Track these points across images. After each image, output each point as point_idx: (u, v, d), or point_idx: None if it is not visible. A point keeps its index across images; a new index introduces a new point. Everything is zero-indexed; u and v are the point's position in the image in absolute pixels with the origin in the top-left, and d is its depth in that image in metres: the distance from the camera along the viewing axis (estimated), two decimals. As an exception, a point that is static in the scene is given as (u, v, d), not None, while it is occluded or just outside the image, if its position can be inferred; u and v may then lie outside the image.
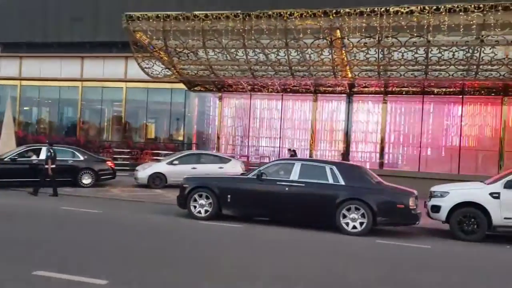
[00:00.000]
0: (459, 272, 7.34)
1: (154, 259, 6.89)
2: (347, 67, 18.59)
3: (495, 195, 9.88)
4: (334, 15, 16.19)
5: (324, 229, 10.17)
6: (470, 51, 15.86)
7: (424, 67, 16.94)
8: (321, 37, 16.66)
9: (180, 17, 17.75)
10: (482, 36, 15.05)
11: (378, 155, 20.90)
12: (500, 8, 14.33)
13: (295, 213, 10.39)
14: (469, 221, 10.01)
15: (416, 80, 18.14)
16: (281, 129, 22.84)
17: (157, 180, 17.50)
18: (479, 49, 15.68)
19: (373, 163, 20.90)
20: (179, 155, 18.28)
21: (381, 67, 17.64)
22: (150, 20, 18.12)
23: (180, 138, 26.54)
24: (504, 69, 16.30)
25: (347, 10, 16.02)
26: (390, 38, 15.95)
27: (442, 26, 15.14)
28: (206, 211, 10.89)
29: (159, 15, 17.93)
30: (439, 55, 16.19)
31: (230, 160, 18.55)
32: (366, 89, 20.66)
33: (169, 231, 9.64)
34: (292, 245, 8.85)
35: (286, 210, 10.42)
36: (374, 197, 9.80)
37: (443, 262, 8.12)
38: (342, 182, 10.09)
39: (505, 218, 9.78)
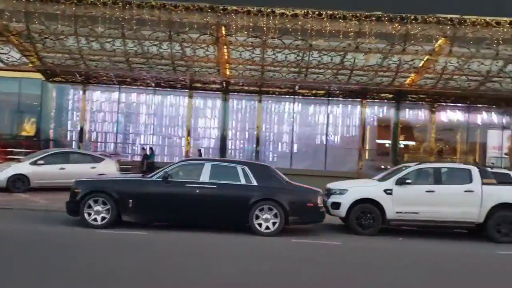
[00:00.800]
0: (378, 266, 7.77)
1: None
2: (227, 65, 18.57)
3: (388, 192, 10.74)
4: (221, 11, 15.94)
5: (236, 231, 9.88)
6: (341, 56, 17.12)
7: (304, 69, 17.75)
8: (207, 33, 16.25)
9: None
10: (358, 43, 16.33)
11: (254, 153, 21.33)
12: (373, 18, 15.70)
13: (207, 216, 9.90)
14: (366, 216, 10.70)
15: (293, 81, 18.93)
16: (154, 126, 21.79)
17: (19, 182, 15.23)
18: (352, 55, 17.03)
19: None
20: (44, 154, 16.12)
21: (265, 67, 17.96)
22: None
23: (32, 134, 23.37)
24: (372, 75, 18.01)
25: (235, 7, 15.91)
26: (275, 39, 16.33)
27: (323, 31, 15.99)
28: (103, 218, 9.72)
29: (22, -5, 15.55)
30: (319, 58, 17.10)
31: (103, 159, 17.02)
32: (243, 87, 20.90)
33: (65, 244, 8.34)
34: (204, 250, 8.39)
35: (197, 214, 9.85)
36: (286, 197, 9.82)
37: (361, 258, 8.53)
38: (254, 183, 9.92)
39: (397, 212, 10.68)
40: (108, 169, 16.52)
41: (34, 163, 15.60)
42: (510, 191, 10.90)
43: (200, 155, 20.36)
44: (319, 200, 10.10)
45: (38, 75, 21.13)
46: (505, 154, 21.59)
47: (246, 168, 10.09)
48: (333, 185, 11.50)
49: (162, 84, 20.84)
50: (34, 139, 22.31)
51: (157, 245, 8.70)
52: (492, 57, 16.54)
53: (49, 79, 20.86)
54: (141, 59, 17.92)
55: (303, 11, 15.76)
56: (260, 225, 9.75)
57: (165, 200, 9.78)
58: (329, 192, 11.16)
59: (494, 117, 21.48)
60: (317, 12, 15.74)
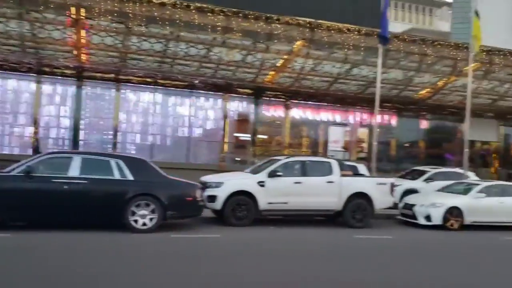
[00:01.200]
0: (262, 256, 8.09)
1: None
2: (84, 50, 17.22)
3: (261, 184, 11.21)
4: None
5: (110, 228, 9.28)
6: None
7: (171, 60, 17.41)
8: (67, 14, 14.84)
9: None
10: (224, 38, 16.56)
11: (111, 145, 20.18)
12: (241, 15, 16.08)
13: (77, 213, 9.09)
14: (241, 208, 11.00)
15: (157, 71, 18.42)
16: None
17: None
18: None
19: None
20: None
21: (127, 55, 17.12)
22: None
23: None
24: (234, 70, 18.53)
25: (98, -11, 14.83)
26: (142, 27, 15.68)
27: (191, 23, 15.83)
28: None
29: None
30: (186, 50, 16.91)
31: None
32: (100, 74, 19.56)
33: None
34: (72, 250, 7.79)
35: (66, 211, 9.00)
36: (164, 192, 9.56)
37: (247, 248, 8.78)
38: (130, 177, 9.43)
39: (269, 203, 11.21)
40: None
41: None
42: (363, 181, 12.28)
43: (37, 147, 18.43)
44: (198, 194, 10.06)
45: None
46: (343, 147, 24.01)
47: (121, 162, 9.54)
48: (207, 178, 11.55)
49: (5, 66, 18.38)
50: None
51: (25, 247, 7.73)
52: (342, 60, 18.31)
53: None
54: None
55: (171, 1, 15.39)
56: (136, 221, 9.33)
57: (29, 197, 8.74)
58: (204, 186, 11.16)
59: (338, 115, 23.78)
60: (185, 4, 15.53)
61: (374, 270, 7.53)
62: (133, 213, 9.31)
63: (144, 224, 9.37)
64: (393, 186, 12.34)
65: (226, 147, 22.04)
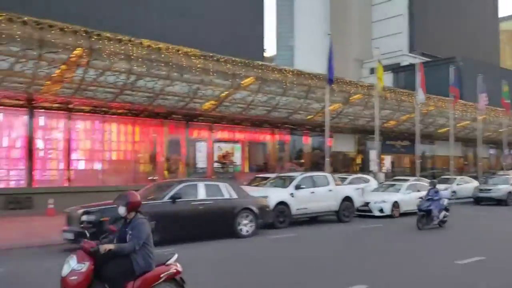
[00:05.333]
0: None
1: None
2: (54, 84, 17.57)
3: (292, 195, 15.01)
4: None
5: (219, 237, 11.97)
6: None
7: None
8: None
9: None
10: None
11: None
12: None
13: (206, 227, 11.73)
14: (281, 214, 14.61)
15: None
16: None
17: None
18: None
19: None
20: None
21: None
22: None
23: None
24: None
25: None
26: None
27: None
28: None
29: None
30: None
31: None
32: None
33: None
34: (219, 255, 10.71)
35: (200, 226, 11.56)
36: (255, 205, 12.72)
37: (327, 237, 12.64)
38: (235, 196, 12.42)
39: (297, 209, 15.06)
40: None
41: None
42: (348, 188, 17.07)
43: None
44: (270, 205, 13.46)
45: None
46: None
47: (227, 185, 12.44)
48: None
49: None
50: None
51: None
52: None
53: None
54: None
55: None
56: (241, 229, 12.34)
57: (177, 218, 11.08)
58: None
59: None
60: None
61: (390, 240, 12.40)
62: (239, 223, 12.28)
63: (247, 231, 12.41)
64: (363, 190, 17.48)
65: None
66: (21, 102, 18.84)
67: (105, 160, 22.39)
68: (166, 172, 24.18)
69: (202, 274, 7.93)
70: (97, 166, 22.25)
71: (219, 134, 26.25)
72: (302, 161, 30.24)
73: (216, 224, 11.93)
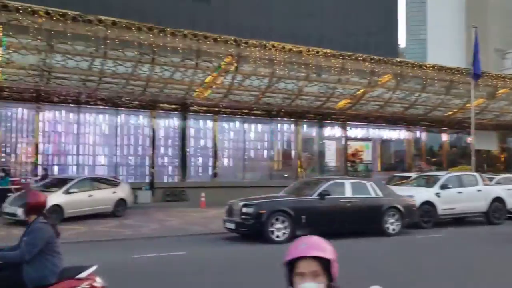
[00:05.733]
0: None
1: None
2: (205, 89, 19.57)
3: (438, 194, 14.67)
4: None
5: (364, 235, 12.28)
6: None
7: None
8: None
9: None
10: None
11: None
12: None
13: (353, 224, 12.12)
14: (426, 214, 14.36)
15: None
16: (118, 146, 21.00)
17: (54, 214, 13.84)
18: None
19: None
20: (73, 182, 14.89)
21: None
22: None
23: None
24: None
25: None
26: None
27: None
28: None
29: None
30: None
31: (119, 183, 16.63)
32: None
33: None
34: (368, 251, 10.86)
35: (347, 223, 11.98)
36: (401, 204, 12.77)
37: (478, 236, 12.22)
38: (381, 195, 12.60)
39: (443, 209, 14.68)
40: (125, 191, 16.43)
41: (66, 192, 14.42)
42: (501, 189, 16.15)
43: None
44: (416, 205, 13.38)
45: None
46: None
47: (372, 184, 12.73)
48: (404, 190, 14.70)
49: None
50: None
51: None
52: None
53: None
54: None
55: (97, 18, 14.67)
56: (388, 228, 12.47)
57: (324, 214, 11.64)
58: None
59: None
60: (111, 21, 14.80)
61: None
62: (386, 222, 12.44)
63: (394, 229, 12.51)
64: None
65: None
66: (175, 106, 21.13)
67: (244, 158, 23.97)
68: (299, 170, 25.02)
69: (357, 269, 8.36)
70: (238, 163, 23.93)
71: (352, 132, 26.35)
72: (434, 159, 28.96)
73: (363, 221, 12.26)
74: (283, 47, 17.57)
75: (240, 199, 11.87)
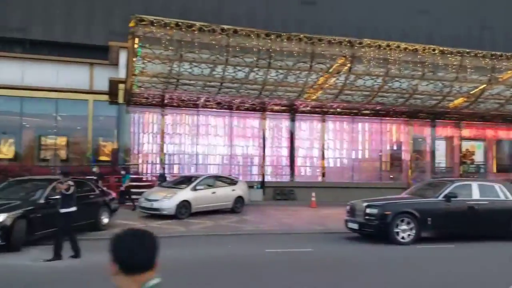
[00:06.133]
0: None
1: None
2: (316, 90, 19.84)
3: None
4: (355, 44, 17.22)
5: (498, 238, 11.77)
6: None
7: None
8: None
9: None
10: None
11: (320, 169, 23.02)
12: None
13: (481, 227, 11.66)
14: None
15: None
16: (231, 146, 22.15)
17: (183, 209, 15.10)
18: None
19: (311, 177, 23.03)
20: (200, 179, 16.07)
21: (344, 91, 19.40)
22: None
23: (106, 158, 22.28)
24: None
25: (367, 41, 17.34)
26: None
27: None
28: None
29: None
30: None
31: (238, 181, 17.54)
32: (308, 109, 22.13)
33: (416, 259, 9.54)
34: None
35: (475, 226, 11.57)
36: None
37: None
38: (510, 198, 11.99)
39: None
40: (243, 190, 17.24)
41: (194, 188, 15.57)
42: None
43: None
44: None
45: (104, 97, 20.65)
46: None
47: (501, 186, 12.13)
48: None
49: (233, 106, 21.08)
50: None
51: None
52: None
53: (128, 103, 20.05)
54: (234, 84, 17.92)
55: (219, 27, 15.57)
56: (519, 231, 11.83)
57: (451, 216, 11.36)
58: None
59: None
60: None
61: None
62: (516, 224, 11.81)
63: (527, 233, 11.85)
64: None
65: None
66: (284, 108, 21.76)
67: (353, 158, 23.91)
68: (410, 171, 24.37)
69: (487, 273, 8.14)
70: (346, 164, 23.94)
71: (466, 132, 25.07)
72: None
73: (491, 225, 11.77)
74: (398, 46, 17.32)
75: (362, 199, 12.01)
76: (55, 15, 22.22)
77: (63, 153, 23.18)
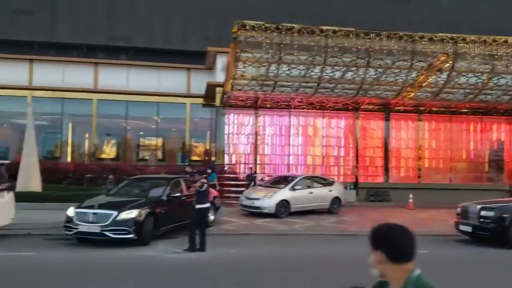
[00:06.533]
0: None
1: None
2: (414, 89, 19.35)
3: None
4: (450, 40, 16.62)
5: None
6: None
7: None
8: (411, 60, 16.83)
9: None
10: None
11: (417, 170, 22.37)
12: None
13: None
14: None
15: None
16: (323, 146, 22.22)
17: (283, 208, 15.41)
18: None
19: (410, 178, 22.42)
20: (297, 180, 16.34)
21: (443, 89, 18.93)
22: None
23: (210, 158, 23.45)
24: None
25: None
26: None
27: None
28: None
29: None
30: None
31: (334, 182, 17.57)
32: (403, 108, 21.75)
33: None
34: None
35: None
36: None
37: None
38: None
39: None
40: (339, 190, 17.20)
41: (292, 188, 15.84)
42: None
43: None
44: None
45: (198, 100, 21.69)
46: None
47: None
48: None
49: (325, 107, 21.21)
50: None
51: None
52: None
53: (224, 105, 20.81)
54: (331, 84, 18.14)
55: (319, 28, 15.55)
56: None
57: None
58: None
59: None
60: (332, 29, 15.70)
61: None
62: None
63: None
64: None
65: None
66: (377, 107, 21.42)
67: (450, 159, 22.98)
68: (512, 173, 22.99)
69: None
70: (442, 164, 23.05)
71: None
72: None
73: None
74: (506, 41, 16.37)
75: (474, 202, 11.60)
76: (156, 25, 23.62)
77: (159, 153, 24.61)
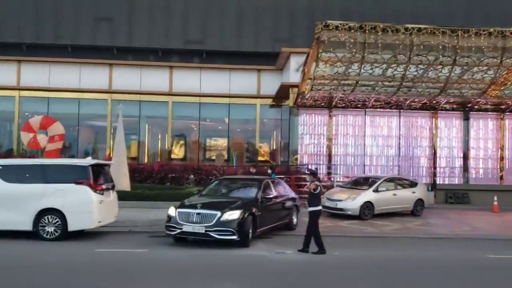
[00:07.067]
0: None
1: None
2: (498, 86, 18.44)
3: None
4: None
5: None
6: None
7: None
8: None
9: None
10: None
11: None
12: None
13: None
14: None
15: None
16: (399, 147, 21.69)
17: (367, 210, 15.20)
18: None
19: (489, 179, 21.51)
20: (380, 181, 16.06)
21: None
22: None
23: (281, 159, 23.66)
24: None
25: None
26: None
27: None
28: None
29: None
30: None
31: (417, 183, 17.15)
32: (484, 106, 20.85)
33: None
34: None
35: None
36: None
37: None
38: None
39: None
40: (423, 192, 16.74)
41: (376, 190, 15.60)
42: None
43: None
44: None
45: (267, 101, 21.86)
46: None
47: None
48: None
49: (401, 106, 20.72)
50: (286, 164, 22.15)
51: None
52: None
53: (297, 106, 20.72)
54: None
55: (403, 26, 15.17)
56: None
57: None
58: None
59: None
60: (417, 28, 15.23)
61: None
62: None
63: None
64: None
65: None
66: (456, 106, 20.68)
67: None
68: None
69: None
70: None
71: None
72: None
73: None
74: None
75: None
76: (227, 27, 23.93)
77: (224, 153, 24.90)
